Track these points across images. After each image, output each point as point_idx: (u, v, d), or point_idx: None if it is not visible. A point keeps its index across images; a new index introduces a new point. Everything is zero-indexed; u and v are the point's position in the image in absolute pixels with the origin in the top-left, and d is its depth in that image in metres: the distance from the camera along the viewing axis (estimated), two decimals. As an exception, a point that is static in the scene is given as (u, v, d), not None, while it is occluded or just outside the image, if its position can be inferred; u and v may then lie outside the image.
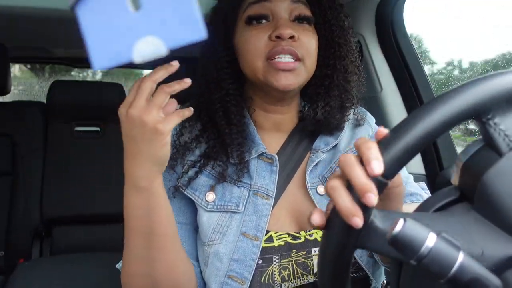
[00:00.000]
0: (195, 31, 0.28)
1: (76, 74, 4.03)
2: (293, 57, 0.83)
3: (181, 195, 0.89)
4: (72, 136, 2.26)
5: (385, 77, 1.50)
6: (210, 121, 0.90)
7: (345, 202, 0.45)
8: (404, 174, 0.95)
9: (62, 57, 2.82)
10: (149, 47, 0.28)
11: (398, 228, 0.41)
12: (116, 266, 0.86)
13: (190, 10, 0.27)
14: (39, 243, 2.14)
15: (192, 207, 0.90)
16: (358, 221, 0.44)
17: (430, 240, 0.41)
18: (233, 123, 0.87)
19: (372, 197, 0.43)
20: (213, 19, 0.93)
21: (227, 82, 0.88)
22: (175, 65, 0.67)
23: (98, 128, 2.28)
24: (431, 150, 1.45)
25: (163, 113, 0.68)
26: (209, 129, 0.90)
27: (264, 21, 0.86)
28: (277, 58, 0.83)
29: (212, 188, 0.87)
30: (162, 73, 0.67)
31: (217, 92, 0.88)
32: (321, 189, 0.90)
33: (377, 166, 0.44)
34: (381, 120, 1.49)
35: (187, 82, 0.69)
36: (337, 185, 0.47)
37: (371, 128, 1.01)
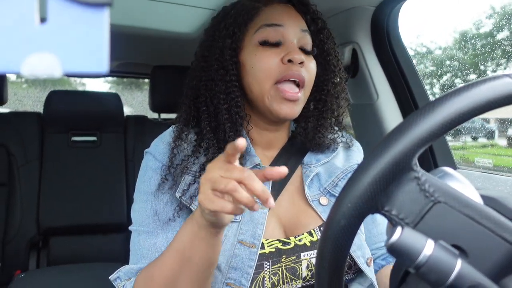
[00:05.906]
0: (98, 64, 0.26)
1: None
2: (299, 82, 0.90)
3: (182, 204, 0.89)
4: (68, 146, 2.25)
5: (381, 84, 1.50)
6: (211, 131, 0.92)
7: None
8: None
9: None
10: (43, 64, 0.25)
11: (396, 236, 0.41)
12: (109, 278, 0.86)
13: (99, 41, 0.25)
14: (36, 254, 2.13)
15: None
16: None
17: (428, 248, 0.41)
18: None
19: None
20: (219, 30, 0.95)
21: (235, 94, 0.91)
22: None
23: (94, 138, 2.27)
24: (428, 155, 1.45)
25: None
26: (207, 139, 0.91)
27: (276, 45, 0.91)
28: (285, 83, 0.89)
29: None
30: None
31: (225, 103, 0.90)
32: (324, 200, 0.95)
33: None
34: (378, 127, 1.50)
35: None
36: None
37: (361, 154, 1.10)
